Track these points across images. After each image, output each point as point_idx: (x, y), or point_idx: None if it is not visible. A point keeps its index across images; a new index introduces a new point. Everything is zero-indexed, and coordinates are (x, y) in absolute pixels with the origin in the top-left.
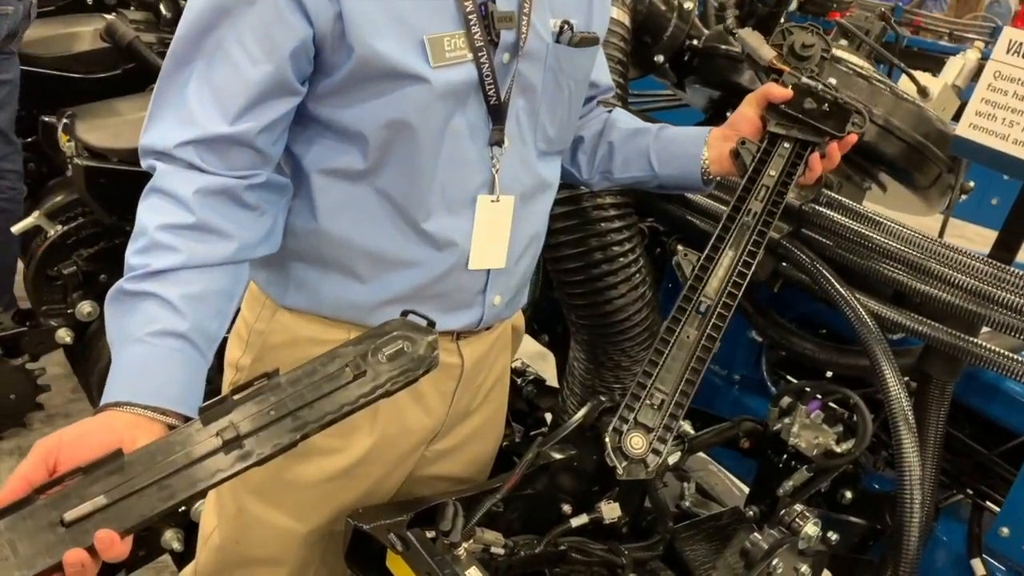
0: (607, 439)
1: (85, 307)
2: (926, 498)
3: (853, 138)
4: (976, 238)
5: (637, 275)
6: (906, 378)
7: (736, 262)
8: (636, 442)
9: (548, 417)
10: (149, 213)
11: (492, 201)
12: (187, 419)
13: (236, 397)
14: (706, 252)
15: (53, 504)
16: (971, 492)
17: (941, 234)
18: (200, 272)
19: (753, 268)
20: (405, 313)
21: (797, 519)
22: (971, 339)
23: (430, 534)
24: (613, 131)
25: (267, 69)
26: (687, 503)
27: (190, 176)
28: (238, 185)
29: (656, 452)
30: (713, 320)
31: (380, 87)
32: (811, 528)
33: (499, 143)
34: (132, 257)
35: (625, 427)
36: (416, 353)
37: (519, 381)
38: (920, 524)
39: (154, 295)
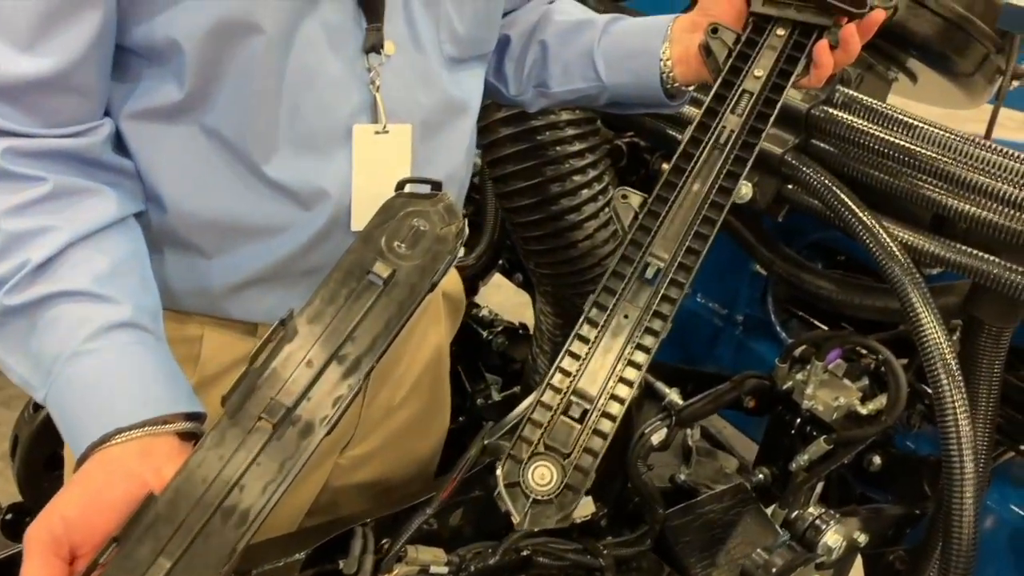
0: (498, 472)
1: None
2: (980, 474)
3: (879, 17)
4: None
5: (606, 209)
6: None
7: (701, 203)
8: (542, 475)
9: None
10: None
11: (376, 133)
12: (193, 417)
13: (258, 364)
14: (654, 193)
15: None
16: None
17: (989, 131)
18: (94, 244)
19: (726, 211)
20: (401, 186)
21: (814, 525)
22: None
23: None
24: (548, 27)
25: None
26: (683, 476)
27: (7, 143)
28: (78, 146)
29: (572, 489)
30: (664, 291)
31: None
32: (832, 538)
33: (377, 49)
34: None
35: (526, 452)
36: (436, 229)
37: (486, 334)
38: (975, 506)
39: (60, 293)
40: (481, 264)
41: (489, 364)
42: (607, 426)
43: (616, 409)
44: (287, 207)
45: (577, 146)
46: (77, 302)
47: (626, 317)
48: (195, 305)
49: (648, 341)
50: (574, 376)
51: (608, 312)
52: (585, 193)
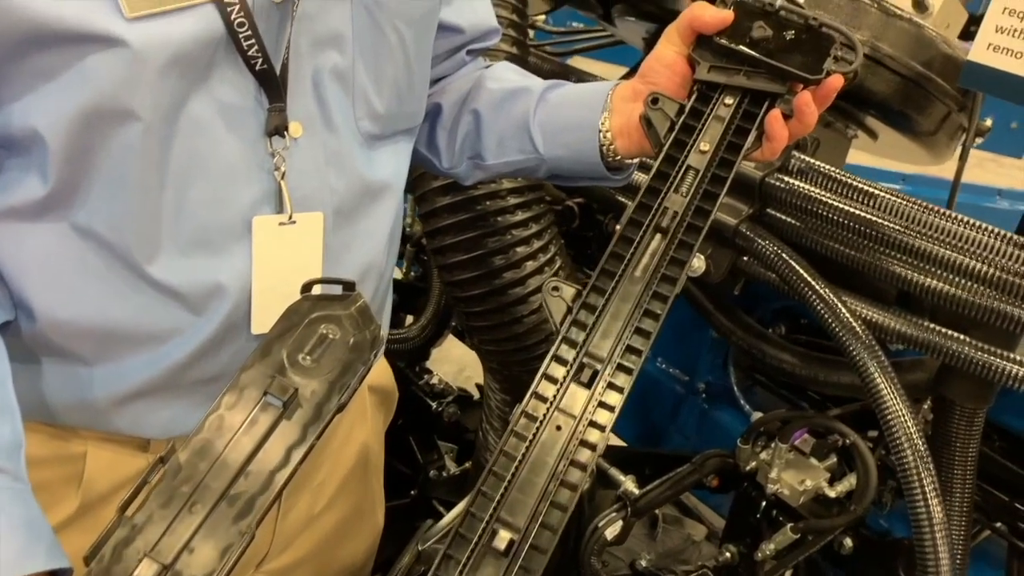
0: None
1: None
2: (957, 562)
3: (837, 83)
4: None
5: None
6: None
7: (642, 294)
8: None
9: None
10: None
11: (281, 224)
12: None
13: (131, 512)
14: (590, 284)
15: None
16: (1004, 527)
17: (954, 191)
18: None
19: (672, 303)
20: (307, 287)
21: None
22: (1008, 354)
23: None
24: (481, 95)
25: None
26: (643, 563)
27: None
28: None
29: None
30: (601, 398)
31: (42, 62)
32: None
33: (280, 131)
34: None
35: None
36: (347, 337)
37: (435, 405)
38: None
39: None
40: (426, 335)
41: (442, 435)
42: (538, 562)
43: (547, 540)
44: (175, 311)
45: (520, 216)
46: None
47: (558, 428)
48: (77, 419)
49: (584, 456)
50: (498, 502)
51: (538, 424)
52: (530, 265)
